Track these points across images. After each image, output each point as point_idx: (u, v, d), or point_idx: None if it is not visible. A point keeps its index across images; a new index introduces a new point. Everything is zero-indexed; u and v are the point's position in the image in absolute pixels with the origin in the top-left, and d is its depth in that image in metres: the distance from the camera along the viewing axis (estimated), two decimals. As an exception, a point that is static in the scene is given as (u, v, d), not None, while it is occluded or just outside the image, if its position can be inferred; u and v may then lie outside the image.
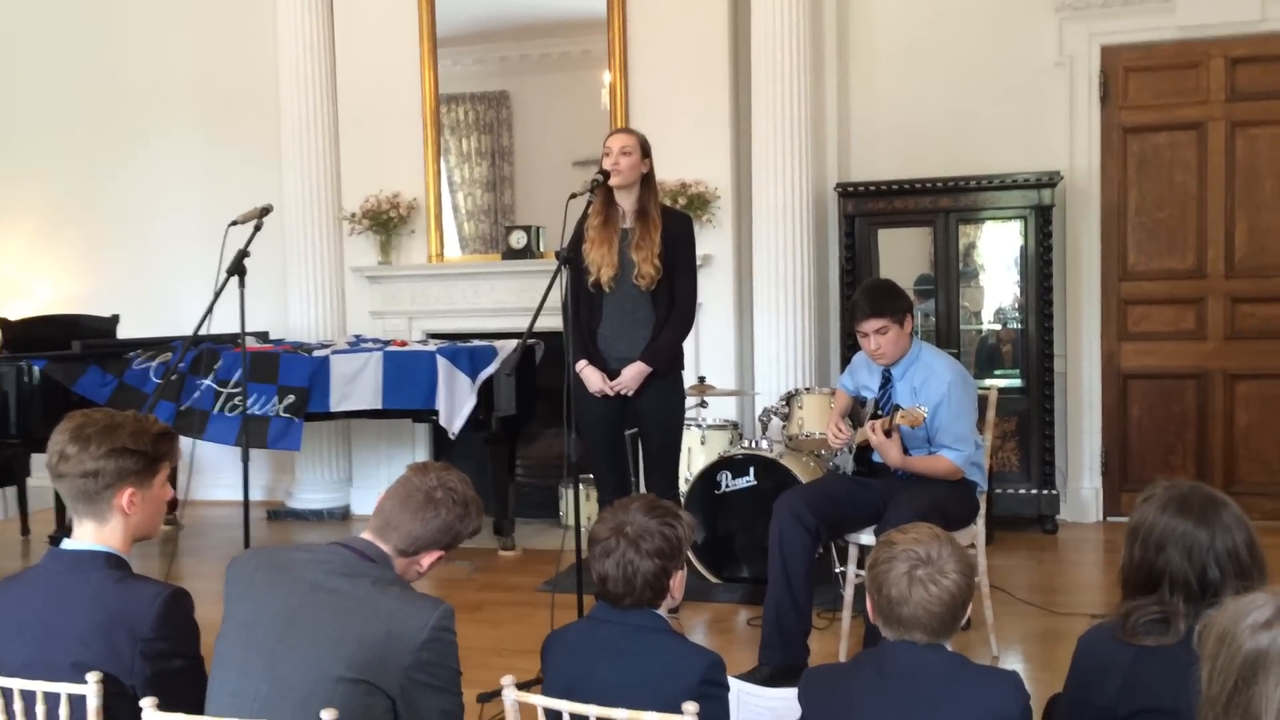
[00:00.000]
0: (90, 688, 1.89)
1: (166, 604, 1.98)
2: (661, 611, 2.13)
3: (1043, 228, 5.30)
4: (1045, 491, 5.33)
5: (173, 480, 2.33)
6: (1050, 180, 5.27)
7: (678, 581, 2.15)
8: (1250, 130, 5.37)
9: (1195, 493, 1.94)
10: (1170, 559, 1.88)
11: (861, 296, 3.59)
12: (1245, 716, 1.10)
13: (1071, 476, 5.60)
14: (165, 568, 4.62)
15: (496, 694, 2.17)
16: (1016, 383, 5.39)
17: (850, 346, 5.02)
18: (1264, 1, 5.24)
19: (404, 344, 5.47)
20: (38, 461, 5.60)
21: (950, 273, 5.45)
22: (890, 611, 1.86)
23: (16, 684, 1.93)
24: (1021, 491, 5.34)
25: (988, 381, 5.24)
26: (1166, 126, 5.47)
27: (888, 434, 3.48)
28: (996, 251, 5.56)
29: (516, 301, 5.74)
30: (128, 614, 1.96)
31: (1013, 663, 3.69)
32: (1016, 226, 5.41)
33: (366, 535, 2.05)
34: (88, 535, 2.09)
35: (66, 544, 2.10)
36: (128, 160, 6.78)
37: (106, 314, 6.14)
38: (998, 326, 5.58)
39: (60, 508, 5.03)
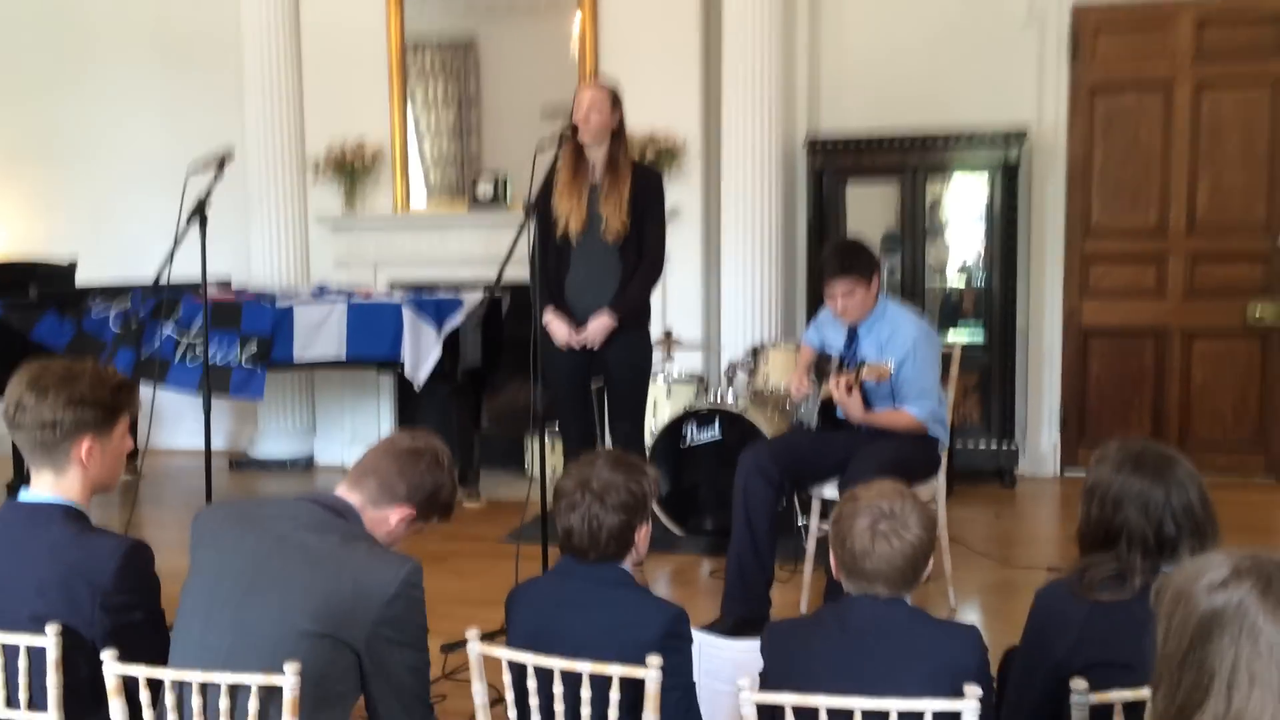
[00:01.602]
0: (49, 640, 1.88)
1: (126, 557, 1.97)
2: (626, 565, 2.15)
3: (1009, 184, 5.32)
4: (1005, 446, 5.40)
5: (133, 431, 2.30)
6: (1018, 137, 5.28)
7: (643, 536, 2.16)
8: (1216, 91, 5.40)
9: (1148, 450, 1.98)
10: (1128, 516, 1.92)
11: (830, 257, 3.59)
12: (1200, 674, 1.13)
13: (1030, 431, 5.68)
14: (125, 517, 4.58)
15: (460, 645, 2.18)
16: (979, 338, 5.43)
17: (817, 301, 5.03)
18: (1233, -39, 5.25)
19: (369, 294, 5.42)
20: (-6, 409, 5.52)
21: (916, 228, 5.47)
22: (853, 565, 1.89)
23: (-26, 636, 1.92)
24: (981, 445, 5.41)
25: (951, 337, 5.28)
26: (1134, 86, 5.49)
27: (849, 390, 3.51)
28: (962, 207, 5.58)
29: (483, 251, 5.68)
30: (87, 567, 1.95)
31: (970, 614, 3.76)
32: (983, 182, 5.43)
33: (340, 489, 2.04)
34: (45, 487, 2.07)
35: (23, 495, 2.08)
36: (83, 99, 6.62)
37: (64, 258, 6.02)
38: (962, 283, 5.61)
39: (18, 456, 4.95)
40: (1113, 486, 1.95)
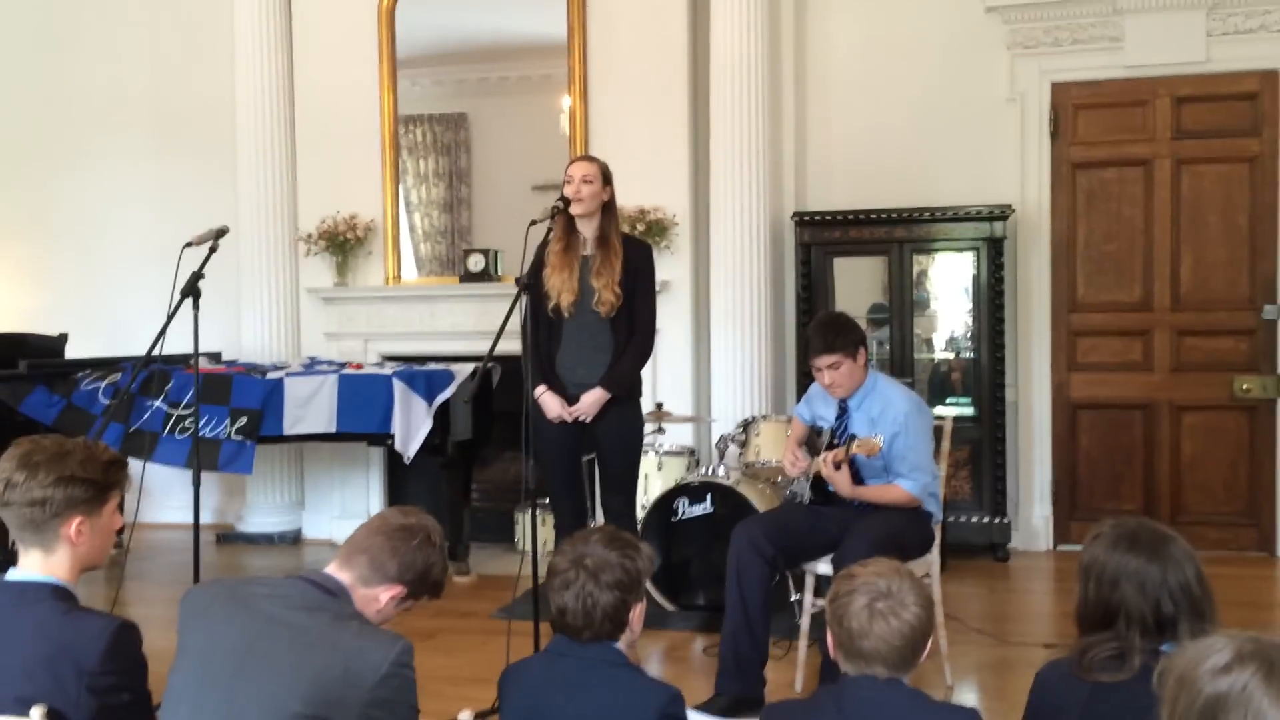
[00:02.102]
0: (34, 723, 1.84)
1: (114, 637, 1.94)
2: (620, 645, 2.12)
3: (994, 259, 5.38)
4: (997, 520, 5.39)
5: (122, 508, 2.28)
6: (1002, 213, 5.36)
7: (637, 614, 2.14)
8: (1195, 167, 5.50)
9: (1143, 529, 1.99)
10: (1125, 595, 1.91)
11: (814, 332, 3.62)
12: (1205, 761, 1.12)
13: (1022, 505, 5.66)
14: (111, 593, 4.51)
15: (452, 727, 2.14)
16: (968, 411, 5.45)
17: (806, 374, 5.05)
18: (1209, 42, 5.39)
19: (359, 367, 5.42)
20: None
21: (904, 302, 5.52)
22: (851, 645, 1.87)
23: (-43, 719, 1.88)
24: (973, 520, 5.39)
25: (940, 410, 5.29)
26: (1114, 162, 5.59)
27: (838, 466, 3.51)
28: (949, 282, 5.64)
29: (474, 325, 5.71)
30: (74, 647, 1.92)
31: (967, 693, 3.71)
32: (969, 257, 5.49)
33: (330, 567, 2.03)
34: (34, 565, 2.04)
35: (11, 574, 2.05)
36: (78, 176, 6.67)
37: (54, 332, 6.01)
38: (950, 355, 5.64)
39: (3, 531, 4.89)
40: (1109, 566, 1.95)
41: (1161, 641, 1.90)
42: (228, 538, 6.08)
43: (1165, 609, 1.90)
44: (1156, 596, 1.91)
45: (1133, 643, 1.89)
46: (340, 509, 6.03)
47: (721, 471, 4.55)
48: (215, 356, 5.86)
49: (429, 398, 5.07)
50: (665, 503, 4.52)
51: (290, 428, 5.06)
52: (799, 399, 4.13)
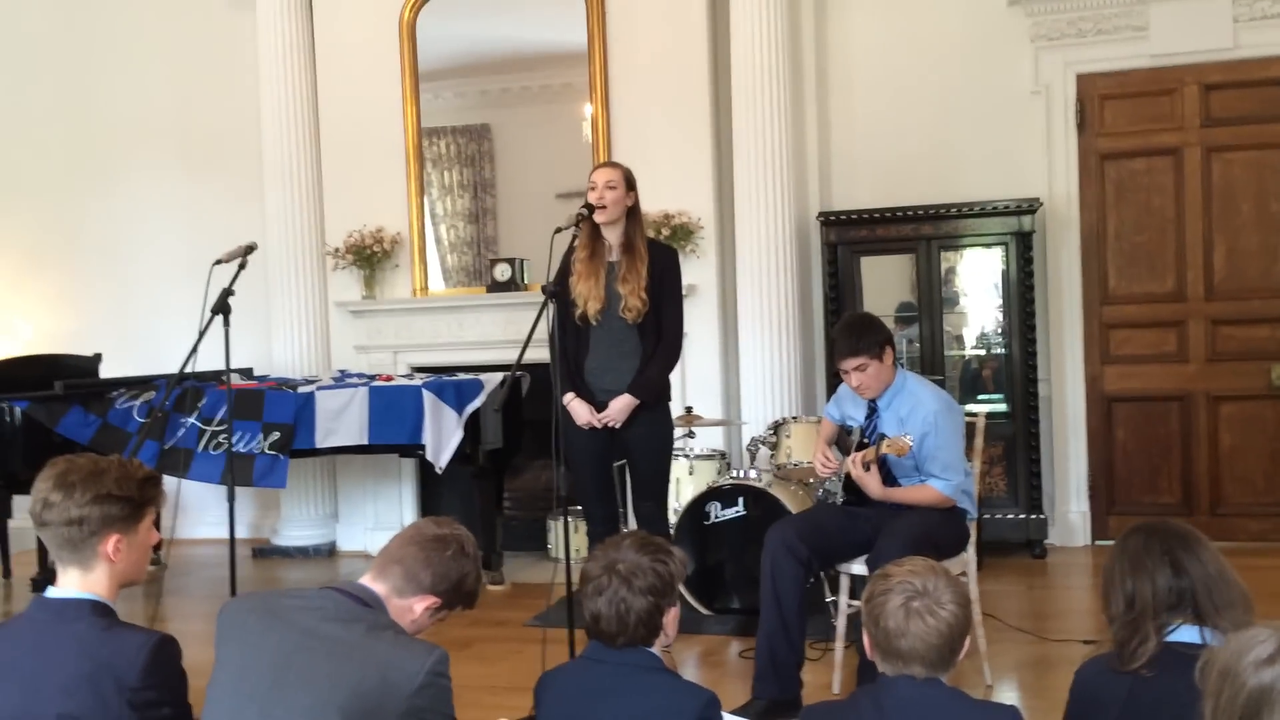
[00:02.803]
0: (77, 740, 1.86)
1: (154, 652, 1.96)
2: (655, 649, 2.12)
3: (1024, 253, 5.33)
4: (1033, 516, 5.34)
5: (158, 524, 2.30)
6: (1030, 207, 5.31)
7: (671, 619, 2.13)
8: (1226, 155, 5.43)
9: (1137, 526, 2.05)
10: (1137, 577, 1.95)
11: (839, 335, 3.61)
12: (1250, 754, 1.10)
13: (1059, 500, 5.61)
14: (150, 609, 4.56)
15: (490, 736, 2.15)
16: (1001, 407, 5.40)
17: (836, 374, 5.03)
18: (1236, 28, 5.32)
19: (389, 379, 5.45)
20: (19, 503, 5.54)
21: (933, 299, 5.48)
22: (888, 645, 1.85)
23: (2, 736, 1.90)
24: (1009, 516, 5.34)
25: (973, 407, 5.26)
26: (1143, 152, 5.52)
27: (867, 466, 3.49)
28: (978, 277, 5.59)
29: (502, 334, 5.73)
30: (115, 663, 1.94)
31: (1007, 691, 3.68)
32: (998, 252, 5.45)
33: (365, 579, 2.04)
34: (73, 583, 2.06)
35: (51, 592, 2.07)
36: (109, 197, 6.76)
37: (88, 353, 6.10)
38: (981, 351, 5.60)
39: (42, 550, 4.97)
40: (1116, 565, 1.98)
41: (1182, 614, 1.88)
42: (263, 552, 6.12)
43: (1178, 580, 1.92)
44: (1165, 565, 1.93)
45: (1147, 609, 1.89)
46: (374, 520, 6.06)
47: (753, 474, 4.54)
48: (247, 372, 5.91)
49: (459, 408, 5.09)
50: (697, 507, 4.51)
51: (322, 441, 5.10)
52: (829, 399, 4.10)
